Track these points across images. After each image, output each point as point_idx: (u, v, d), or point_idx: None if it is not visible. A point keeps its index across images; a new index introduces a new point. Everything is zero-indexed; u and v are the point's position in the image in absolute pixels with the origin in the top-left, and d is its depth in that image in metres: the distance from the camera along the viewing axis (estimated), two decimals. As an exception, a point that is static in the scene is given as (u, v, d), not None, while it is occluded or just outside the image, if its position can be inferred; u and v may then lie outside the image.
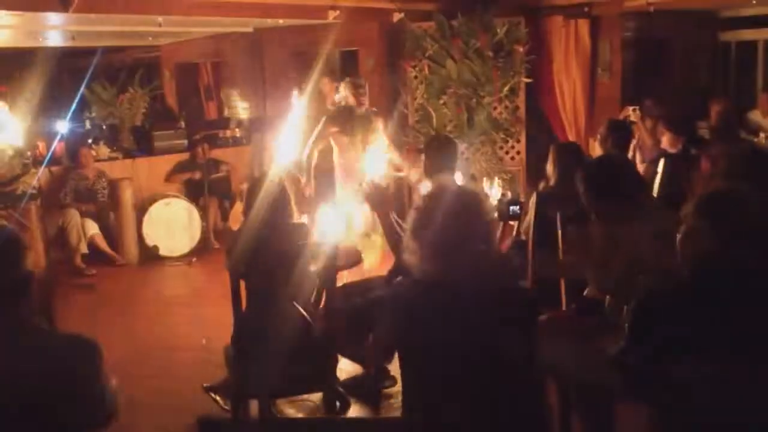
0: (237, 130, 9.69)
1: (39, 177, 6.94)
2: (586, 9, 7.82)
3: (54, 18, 7.26)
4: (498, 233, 5.44)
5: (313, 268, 3.89)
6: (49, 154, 7.84)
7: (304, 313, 3.84)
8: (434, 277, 2.32)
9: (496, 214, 5.69)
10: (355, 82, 6.41)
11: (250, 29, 9.46)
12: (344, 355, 4.29)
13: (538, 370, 2.38)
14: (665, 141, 5.80)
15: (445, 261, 2.30)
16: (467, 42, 7.55)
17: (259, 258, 3.76)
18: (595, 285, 3.31)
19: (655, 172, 5.52)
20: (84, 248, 7.53)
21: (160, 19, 7.23)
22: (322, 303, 4.17)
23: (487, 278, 2.32)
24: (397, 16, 8.11)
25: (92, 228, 7.63)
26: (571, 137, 7.92)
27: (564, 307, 3.87)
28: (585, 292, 3.41)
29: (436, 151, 4.97)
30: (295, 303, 3.81)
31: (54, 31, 8.91)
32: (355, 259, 4.74)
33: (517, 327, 2.32)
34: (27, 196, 6.54)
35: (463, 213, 2.36)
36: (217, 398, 4.28)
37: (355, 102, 6.29)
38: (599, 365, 2.58)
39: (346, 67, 9.46)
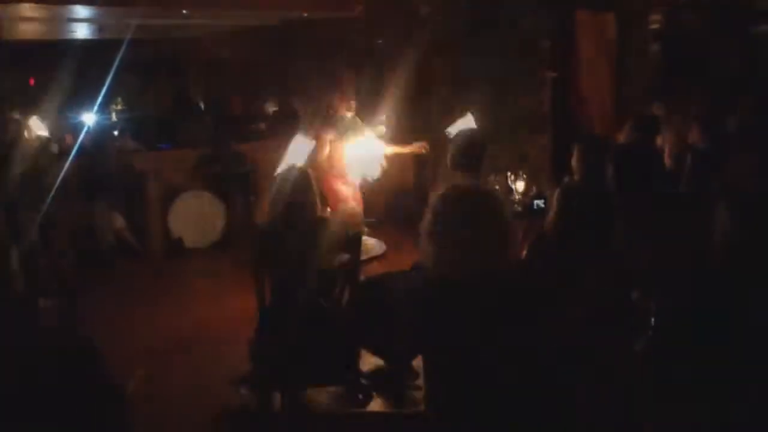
0: (262, 124, 9.73)
1: (66, 169, 7.00)
2: (613, 2, 7.74)
3: (81, 10, 7.33)
4: (519, 233, 5.42)
5: (337, 261, 3.90)
6: (77, 146, 7.91)
7: (328, 305, 3.85)
8: (448, 276, 2.33)
9: (520, 209, 5.69)
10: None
11: (275, 22, 9.47)
12: (367, 349, 4.29)
13: (559, 366, 2.39)
14: (692, 136, 5.72)
15: (456, 261, 2.32)
16: (493, 36, 7.51)
17: (283, 252, 3.78)
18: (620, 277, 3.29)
19: (682, 167, 5.45)
20: (111, 239, 7.59)
21: (185, 11, 7.27)
22: (346, 296, 4.17)
23: (500, 277, 2.33)
24: (423, 10, 8.10)
25: (119, 221, 7.70)
26: (598, 132, 7.85)
27: (589, 302, 3.84)
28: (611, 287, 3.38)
29: (462, 146, 4.94)
30: (318, 296, 3.82)
31: (81, 23, 8.99)
32: (378, 253, 4.74)
33: (527, 323, 2.33)
34: (54, 188, 6.61)
35: (475, 215, 2.37)
36: (243, 391, 4.30)
37: (343, 110, 6.94)
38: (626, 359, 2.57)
39: (372, 60, 9.46)
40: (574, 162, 4.61)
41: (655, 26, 8.05)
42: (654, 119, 5.90)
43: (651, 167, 3.43)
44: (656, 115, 6.15)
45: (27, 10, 7.06)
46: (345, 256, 3.95)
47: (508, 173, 6.00)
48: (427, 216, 2.44)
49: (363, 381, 4.21)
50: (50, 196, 6.47)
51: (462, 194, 2.49)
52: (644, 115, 5.91)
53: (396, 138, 7.97)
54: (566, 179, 4.62)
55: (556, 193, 4.53)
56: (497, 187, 5.84)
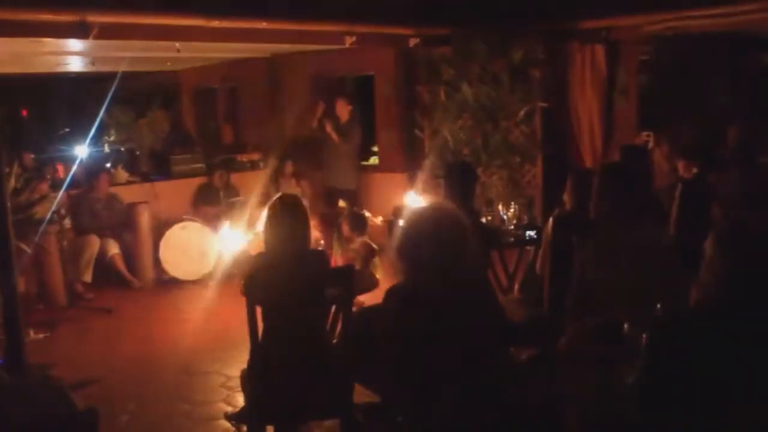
0: (254, 154, 9.75)
1: (58, 201, 6.98)
2: (603, 33, 7.81)
3: (74, 44, 7.37)
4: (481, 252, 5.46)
5: (330, 293, 3.90)
6: (69, 178, 7.89)
7: (321, 338, 3.84)
8: (415, 292, 2.60)
9: (512, 239, 5.70)
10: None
11: (267, 55, 9.54)
12: (359, 382, 4.27)
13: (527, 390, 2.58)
14: (680, 167, 5.77)
15: (422, 277, 2.58)
16: (483, 66, 7.58)
17: (276, 283, 3.77)
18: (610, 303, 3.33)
19: (672, 199, 5.48)
20: (88, 277, 7.52)
21: (177, 45, 7.32)
22: (338, 328, 4.16)
23: (463, 293, 2.58)
24: (413, 41, 8.17)
25: (113, 248, 7.66)
26: (588, 162, 7.90)
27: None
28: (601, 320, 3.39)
29: (455, 177, 4.97)
30: (311, 328, 3.81)
31: (74, 56, 9.03)
32: (371, 284, 4.73)
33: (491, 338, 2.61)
34: (45, 221, 6.59)
35: (436, 232, 2.62)
36: (240, 426, 4.26)
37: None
38: (617, 394, 2.58)
39: (363, 92, 9.53)
40: (565, 195, 4.64)
41: (644, 57, 8.13)
42: (642, 149, 5.95)
43: (634, 189, 3.57)
44: (644, 144, 6.21)
45: (21, 44, 7.10)
46: (337, 289, 3.94)
47: (500, 204, 6.02)
48: (396, 235, 2.76)
49: (357, 415, 4.17)
50: (41, 229, 6.44)
51: (423, 213, 2.77)
52: (632, 145, 5.97)
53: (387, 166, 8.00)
54: (557, 210, 4.64)
55: (548, 223, 4.56)
56: (489, 217, 5.85)
